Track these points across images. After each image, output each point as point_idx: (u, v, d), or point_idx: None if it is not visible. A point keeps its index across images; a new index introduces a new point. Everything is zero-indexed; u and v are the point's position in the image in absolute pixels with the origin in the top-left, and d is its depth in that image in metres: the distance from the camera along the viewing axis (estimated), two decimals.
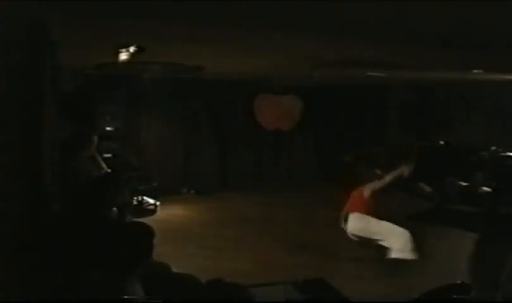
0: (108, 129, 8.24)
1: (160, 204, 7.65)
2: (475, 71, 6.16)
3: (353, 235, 5.62)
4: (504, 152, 8.73)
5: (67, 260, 2.90)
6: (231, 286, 2.06)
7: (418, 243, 5.47)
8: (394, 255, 5.38)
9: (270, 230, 6.78)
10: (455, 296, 2.59)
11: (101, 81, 7.73)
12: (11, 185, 2.66)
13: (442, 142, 9.62)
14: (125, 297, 2.66)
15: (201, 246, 6.03)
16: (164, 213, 7.47)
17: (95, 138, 6.09)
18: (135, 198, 7.38)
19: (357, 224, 5.55)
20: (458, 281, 2.58)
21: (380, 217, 5.51)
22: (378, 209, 5.56)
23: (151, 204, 7.55)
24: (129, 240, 2.92)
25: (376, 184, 5.60)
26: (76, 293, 2.66)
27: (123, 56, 4.24)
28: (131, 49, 4.07)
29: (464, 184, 8.41)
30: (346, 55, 4.65)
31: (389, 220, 5.53)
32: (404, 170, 5.56)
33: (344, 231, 5.83)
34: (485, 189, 8.11)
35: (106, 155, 6.91)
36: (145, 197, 7.56)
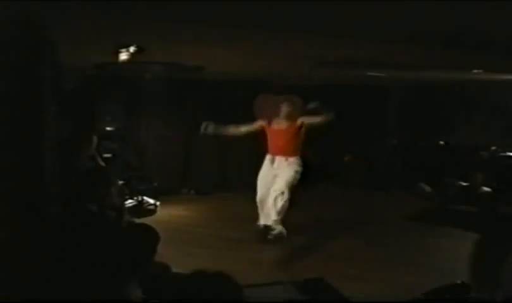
0: (108, 129, 8.23)
1: (160, 204, 7.65)
2: (475, 71, 6.16)
3: None
4: (504, 152, 8.72)
5: (67, 260, 2.90)
6: (215, 276, 2.02)
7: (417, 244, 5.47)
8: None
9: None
10: (455, 296, 2.59)
11: (101, 81, 7.72)
12: (11, 185, 2.67)
13: (442, 142, 9.61)
14: (125, 297, 2.65)
15: (201, 246, 6.02)
16: (164, 213, 7.46)
17: (95, 138, 6.08)
18: (135, 198, 7.38)
19: None
20: (458, 281, 2.58)
21: None
22: None
23: (151, 204, 7.54)
24: (134, 242, 2.91)
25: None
26: (76, 293, 2.65)
27: (123, 56, 4.24)
28: (131, 49, 4.07)
29: (464, 184, 8.41)
30: (346, 55, 4.66)
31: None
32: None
33: (344, 231, 5.80)
34: (485, 189, 8.11)
35: (106, 155, 6.90)
36: (145, 197, 7.56)
